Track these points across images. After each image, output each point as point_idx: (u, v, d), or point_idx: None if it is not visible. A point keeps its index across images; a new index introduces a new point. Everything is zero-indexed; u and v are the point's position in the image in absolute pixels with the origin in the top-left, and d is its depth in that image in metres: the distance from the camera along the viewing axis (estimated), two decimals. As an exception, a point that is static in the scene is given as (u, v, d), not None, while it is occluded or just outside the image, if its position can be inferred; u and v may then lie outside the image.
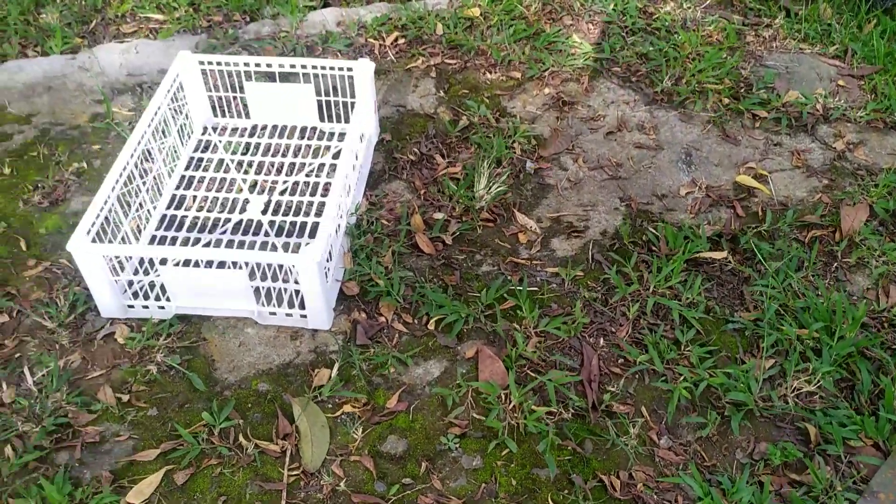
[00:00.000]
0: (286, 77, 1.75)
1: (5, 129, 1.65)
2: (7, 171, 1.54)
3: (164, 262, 1.24)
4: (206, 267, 1.22)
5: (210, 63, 1.55)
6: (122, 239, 1.32)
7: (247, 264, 1.19)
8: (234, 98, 1.64)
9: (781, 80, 1.83)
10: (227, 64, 1.55)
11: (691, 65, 1.83)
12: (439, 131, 1.67)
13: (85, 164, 1.56)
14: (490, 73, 1.83)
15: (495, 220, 1.49)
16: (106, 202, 1.25)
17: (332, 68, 1.54)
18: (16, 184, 1.52)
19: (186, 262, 1.24)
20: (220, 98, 1.64)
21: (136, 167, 1.36)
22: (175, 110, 1.51)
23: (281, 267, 1.35)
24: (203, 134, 1.63)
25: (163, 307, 1.29)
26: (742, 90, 1.79)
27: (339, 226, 1.34)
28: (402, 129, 1.68)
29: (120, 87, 1.76)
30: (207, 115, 1.64)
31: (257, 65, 1.54)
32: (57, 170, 1.55)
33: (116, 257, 1.25)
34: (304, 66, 1.54)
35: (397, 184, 1.55)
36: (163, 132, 1.46)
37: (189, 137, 1.59)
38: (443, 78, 1.81)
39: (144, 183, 1.40)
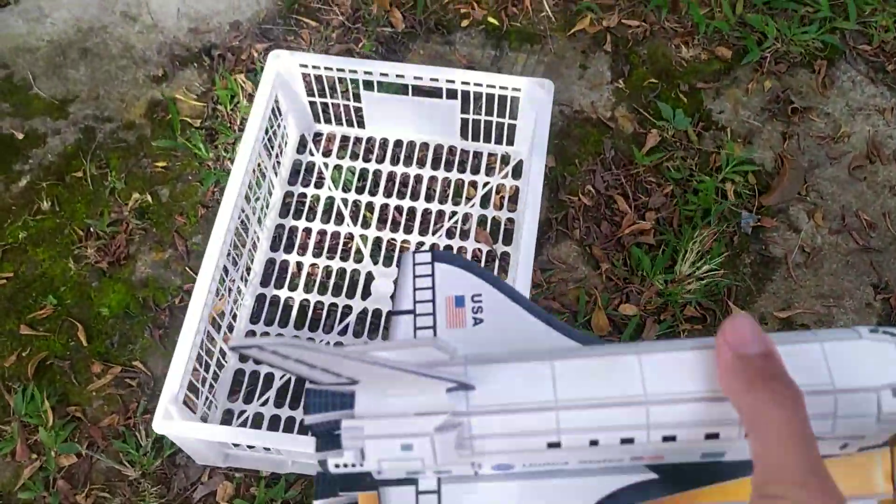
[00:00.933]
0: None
1: (35, 124, 1.22)
2: (47, 204, 1.15)
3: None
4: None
5: (315, 67, 1.08)
6: (215, 372, 0.97)
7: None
8: (343, 104, 1.17)
9: None
10: (341, 70, 1.07)
11: (976, 49, 1.29)
12: (621, 152, 1.22)
13: (149, 197, 1.16)
14: (687, 46, 1.31)
15: (704, 318, 1.10)
16: (189, 354, 0.89)
17: (490, 86, 1.06)
18: (61, 226, 1.14)
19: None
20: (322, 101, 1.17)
21: (228, 254, 0.97)
22: (269, 139, 1.07)
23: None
24: (300, 151, 1.19)
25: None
26: None
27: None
28: (569, 146, 1.22)
29: (181, 51, 1.29)
30: (306, 122, 1.19)
31: (383, 74, 1.07)
32: (112, 203, 1.16)
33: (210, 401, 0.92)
34: (450, 81, 1.07)
35: (568, 247, 1.14)
36: (257, 182, 1.05)
37: (282, 152, 1.16)
38: (620, 53, 1.30)
39: (237, 268, 1.01)
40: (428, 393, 0.31)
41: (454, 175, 1.17)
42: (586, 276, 1.13)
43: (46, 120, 1.22)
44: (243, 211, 1.00)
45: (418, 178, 1.17)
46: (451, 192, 1.16)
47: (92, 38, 1.30)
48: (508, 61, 1.29)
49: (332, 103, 1.15)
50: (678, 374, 0.31)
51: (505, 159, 1.19)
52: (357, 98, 1.13)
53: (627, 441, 0.31)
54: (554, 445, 0.31)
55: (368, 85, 1.10)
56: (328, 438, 0.31)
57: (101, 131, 1.22)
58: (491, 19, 1.33)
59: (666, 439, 0.31)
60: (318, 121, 1.20)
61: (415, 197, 1.16)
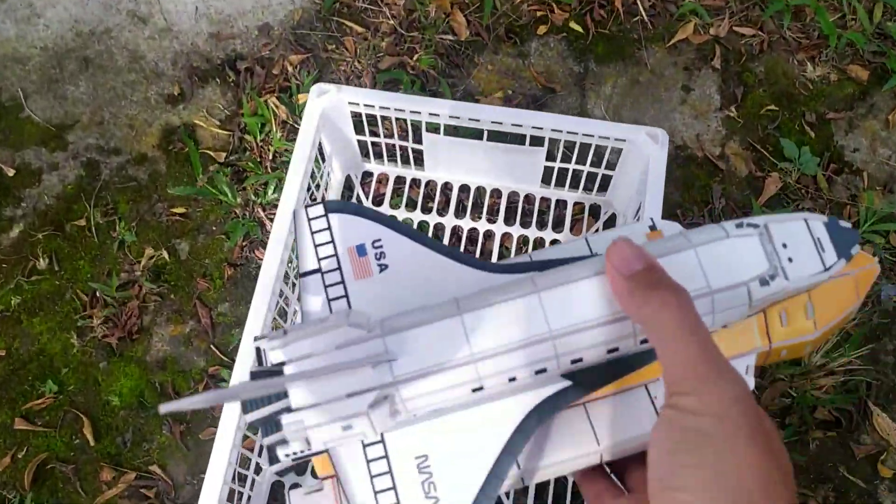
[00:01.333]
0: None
1: (28, 156, 1.02)
2: (43, 261, 0.96)
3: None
4: None
5: (368, 105, 0.86)
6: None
7: None
8: (400, 145, 0.95)
9: None
10: (400, 110, 0.86)
11: None
12: (733, 201, 1.00)
13: (165, 254, 0.96)
14: (813, 63, 1.07)
15: (838, 422, 0.91)
16: (220, 492, 0.71)
17: (587, 135, 0.85)
18: (61, 290, 0.95)
19: None
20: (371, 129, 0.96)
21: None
22: (311, 194, 0.87)
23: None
24: (346, 196, 0.99)
25: None
26: None
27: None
28: (670, 192, 1.01)
29: (200, 62, 1.07)
30: (353, 161, 0.98)
31: (454, 117, 0.85)
32: (122, 260, 0.96)
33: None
34: (538, 128, 0.85)
35: (671, 324, 0.94)
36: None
37: (325, 194, 0.95)
38: (731, 70, 1.07)
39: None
40: (355, 373, 0.33)
41: (532, 232, 0.96)
42: (693, 362, 0.93)
43: (41, 151, 1.02)
44: (282, 294, 0.81)
45: (489, 234, 0.97)
46: (530, 247, 0.96)
47: (93, 45, 1.08)
48: (594, 79, 1.07)
49: (386, 143, 0.94)
50: (575, 304, 0.34)
51: (594, 211, 0.98)
52: (417, 134, 0.92)
53: (541, 371, 0.35)
54: (478, 390, 0.34)
55: (432, 124, 0.88)
56: (271, 425, 0.34)
57: (106, 166, 1.01)
58: (573, 25, 1.10)
59: (574, 362, 0.35)
60: (367, 157, 0.99)
61: (485, 258, 0.95)
